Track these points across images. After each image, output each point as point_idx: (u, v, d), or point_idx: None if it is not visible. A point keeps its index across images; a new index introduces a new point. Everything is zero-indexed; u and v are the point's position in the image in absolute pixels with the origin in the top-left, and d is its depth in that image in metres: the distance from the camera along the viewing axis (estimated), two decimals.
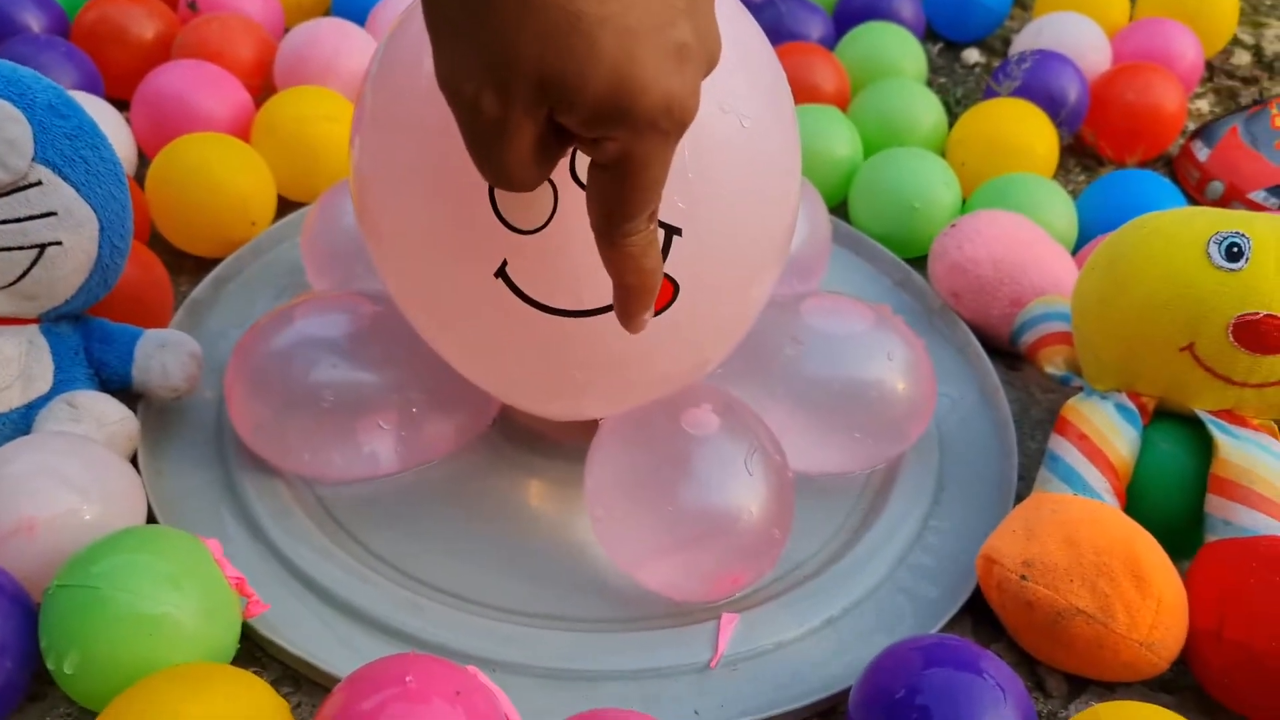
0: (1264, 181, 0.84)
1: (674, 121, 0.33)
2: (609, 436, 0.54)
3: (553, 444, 0.61)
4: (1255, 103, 0.91)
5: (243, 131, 0.76)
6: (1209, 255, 0.54)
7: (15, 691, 0.46)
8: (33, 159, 0.51)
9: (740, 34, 0.51)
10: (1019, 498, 0.60)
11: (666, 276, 0.47)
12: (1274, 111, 0.87)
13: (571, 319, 0.47)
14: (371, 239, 0.51)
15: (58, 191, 0.52)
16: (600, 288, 0.47)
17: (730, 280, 0.49)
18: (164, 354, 0.57)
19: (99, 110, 0.74)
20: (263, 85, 0.83)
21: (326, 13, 0.94)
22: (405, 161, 0.47)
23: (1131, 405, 0.57)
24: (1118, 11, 0.98)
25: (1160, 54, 0.92)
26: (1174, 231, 0.56)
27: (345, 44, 0.81)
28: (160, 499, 0.56)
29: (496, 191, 0.45)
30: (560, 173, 0.44)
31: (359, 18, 0.88)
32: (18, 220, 0.52)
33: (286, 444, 0.56)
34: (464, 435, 0.59)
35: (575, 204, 0.44)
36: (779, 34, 0.90)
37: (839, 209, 0.81)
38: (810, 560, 0.57)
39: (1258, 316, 0.53)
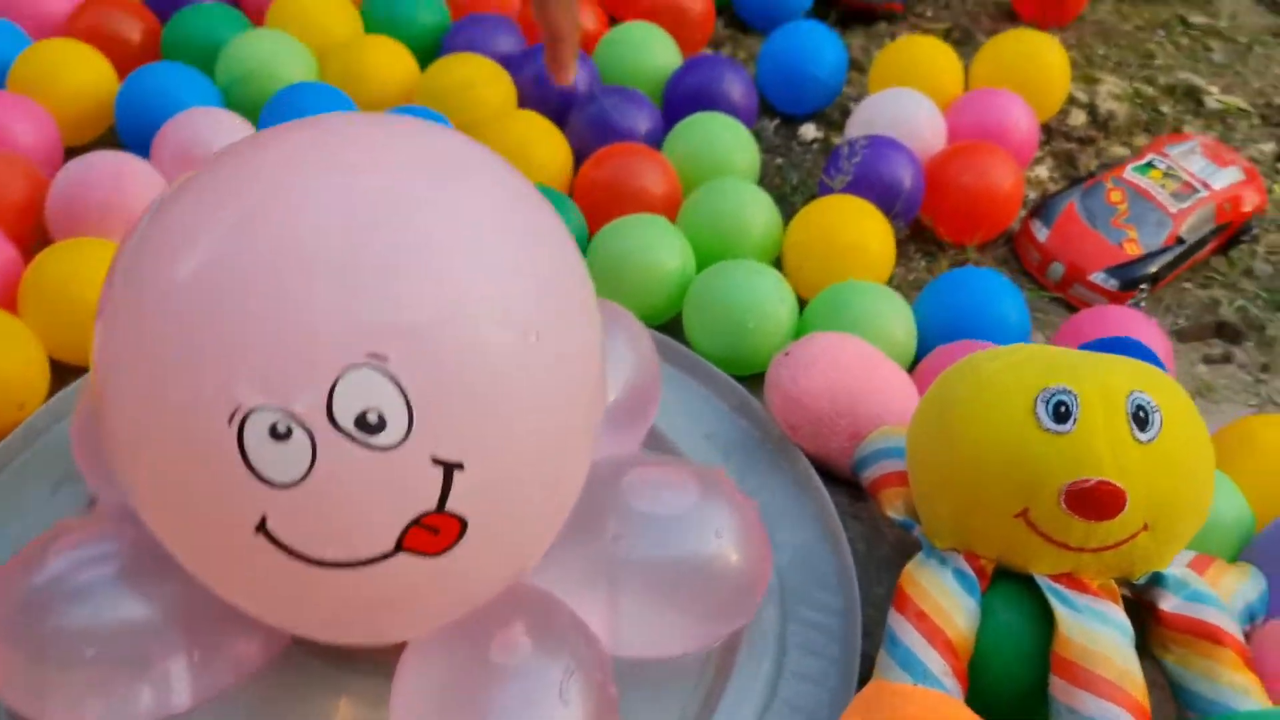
0: (1103, 262, 0.83)
1: None
2: (414, 661, 0.49)
3: (363, 658, 0.55)
4: (1089, 175, 0.90)
5: (9, 292, 0.68)
6: (1037, 416, 0.52)
7: None
8: None
9: (523, 226, 0.46)
10: (865, 657, 0.57)
11: (453, 515, 0.42)
12: (1108, 186, 0.87)
13: (349, 570, 0.42)
14: (118, 467, 0.45)
15: None
16: (376, 535, 0.42)
17: (524, 508, 0.45)
18: None
19: None
20: (35, 230, 0.75)
21: (111, 129, 0.86)
22: (150, 397, 0.42)
23: (970, 571, 0.54)
24: (951, 80, 0.96)
25: (995, 126, 0.90)
26: (1003, 384, 0.53)
27: (124, 180, 0.73)
28: None
29: (245, 441, 0.40)
30: (317, 419, 0.40)
31: (147, 136, 0.81)
32: None
33: (44, 700, 0.49)
34: (261, 657, 0.53)
35: (335, 452, 0.40)
36: (605, 131, 0.86)
37: (673, 324, 0.77)
38: None
39: (1089, 484, 0.50)
